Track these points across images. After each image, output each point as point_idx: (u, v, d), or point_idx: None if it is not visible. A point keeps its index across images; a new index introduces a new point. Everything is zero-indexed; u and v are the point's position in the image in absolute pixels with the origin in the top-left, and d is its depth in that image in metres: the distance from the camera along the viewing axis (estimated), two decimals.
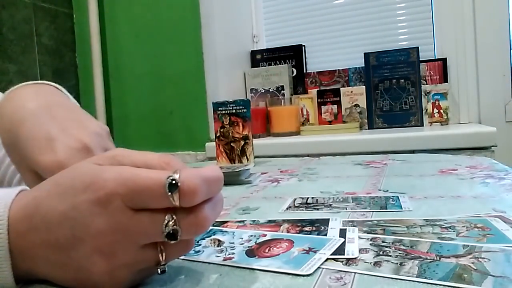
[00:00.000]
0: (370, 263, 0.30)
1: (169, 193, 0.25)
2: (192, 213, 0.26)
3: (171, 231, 0.26)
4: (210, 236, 0.39)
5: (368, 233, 0.37)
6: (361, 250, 0.32)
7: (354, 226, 0.39)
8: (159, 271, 0.28)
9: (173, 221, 0.26)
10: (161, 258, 0.27)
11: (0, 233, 0.28)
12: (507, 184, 0.54)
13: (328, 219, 0.41)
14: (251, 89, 1.64)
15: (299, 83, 1.65)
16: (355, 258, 0.31)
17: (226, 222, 0.44)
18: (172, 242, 0.26)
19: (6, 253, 0.28)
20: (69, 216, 0.27)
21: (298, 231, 0.38)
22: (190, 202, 0.26)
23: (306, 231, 0.38)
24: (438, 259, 0.30)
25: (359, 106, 1.48)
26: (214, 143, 0.87)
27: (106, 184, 0.26)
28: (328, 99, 1.49)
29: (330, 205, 0.49)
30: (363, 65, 1.47)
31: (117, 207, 0.26)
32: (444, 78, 1.45)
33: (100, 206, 0.26)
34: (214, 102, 0.87)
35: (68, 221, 0.27)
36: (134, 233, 0.26)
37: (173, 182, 0.25)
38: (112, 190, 0.26)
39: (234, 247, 0.35)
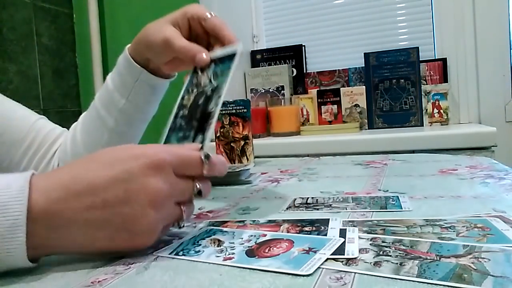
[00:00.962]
0: (370, 263, 0.30)
1: (204, 162, 0.37)
2: (206, 182, 0.39)
3: (199, 190, 0.38)
4: (210, 236, 0.39)
5: (368, 233, 0.37)
6: (361, 250, 0.32)
7: (354, 226, 0.39)
8: (181, 225, 0.38)
9: (199, 184, 0.38)
10: (184, 215, 0.37)
11: (20, 200, 0.30)
12: (507, 184, 0.54)
13: (328, 219, 0.41)
14: (251, 89, 1.64)
15: (299, 83, 1.65)
16: (355, 258, 0.31)
17: (226, 222, 0.44)
18: (197, 197, 0.38)
19: (23, 221, 0.30)
20: (120, 178, 0.33)
21: (298, 231, 0.38)
22: (213, 171, 0.38)
23: (306, 231, 0.38)
24: (438, 259, 0.30)
25: (359, 106, 1.48)
26: (214, 143, 0.87)
27: (158, 154, 0.35)
28: (328, 99, 1.49)
29: (330, 205, 0.49)
30: (363, 65, 1.47)
31: (168, 171, 0.35)
32: (444, 78, 1.45)
33: (155, 170, 0.34)
34: None
35: (119, 183, 0.33)
36: (177, 192, 0.36)
37: (206, 155, 0.38)
38: (165, 158, 0.35)
39: (234, 247, 0.35)
